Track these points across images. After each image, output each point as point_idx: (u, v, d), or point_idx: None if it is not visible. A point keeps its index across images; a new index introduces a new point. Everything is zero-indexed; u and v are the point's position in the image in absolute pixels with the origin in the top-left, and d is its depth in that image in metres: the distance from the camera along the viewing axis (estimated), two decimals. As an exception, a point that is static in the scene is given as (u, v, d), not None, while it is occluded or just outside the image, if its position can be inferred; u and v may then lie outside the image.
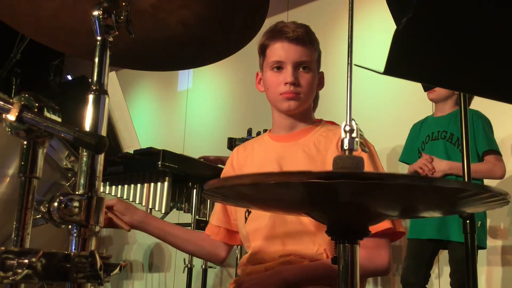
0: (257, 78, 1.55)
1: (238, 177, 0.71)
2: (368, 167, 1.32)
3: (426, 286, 2.69)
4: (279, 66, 1.45)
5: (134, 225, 1.54)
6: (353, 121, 0.75)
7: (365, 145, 1.32)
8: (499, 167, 2.59)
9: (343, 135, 0.76)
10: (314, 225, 1.34)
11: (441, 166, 2.63)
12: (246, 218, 1.48)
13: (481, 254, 2.82)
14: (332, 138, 1.41)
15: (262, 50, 1.49)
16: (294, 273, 1.33)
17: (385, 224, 1.29)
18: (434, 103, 2.89)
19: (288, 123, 1.49)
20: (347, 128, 0.75)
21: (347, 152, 0.75)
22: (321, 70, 1.53)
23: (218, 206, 1.62)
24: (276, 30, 1.46)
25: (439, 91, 2.74)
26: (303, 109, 1.47)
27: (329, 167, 1.33)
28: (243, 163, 1.56)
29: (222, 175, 1.63)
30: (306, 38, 1.44)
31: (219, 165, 3.37)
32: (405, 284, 2.69)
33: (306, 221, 1.36)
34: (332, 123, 1.57)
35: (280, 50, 1.44)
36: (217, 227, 1.59)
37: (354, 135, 0.75)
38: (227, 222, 1.58)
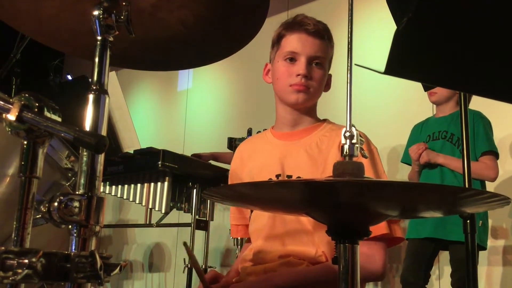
0: (265, 69, 1.54)
1: (240, 185, 0.71)
2: (368, 171, 1.31)
3: (426, 286, 2.69)
4: (292, 58, 1.43)
5: None
6: (353, 127, 0.75)
7: (367, 147, 1.32)
8: (493, 169, 2.58)
9: (343, 141, 0.76)
10: (312, 225, 1.34)
11: (431, 155, 2.64)
12: (249, 217, 1.49)
13: (482, 254, 2.82)
14: (335, 139, 1.40)
15: (278, 40, 1.47)
16: (285, 279, 1.32)
17: (381, 229, 1.28)
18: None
19: (292, 118, 1.48)
20: (347, 134, 0.76)
21: (347, 158, 0.75)
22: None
23: None
24: (295, 21, 1.45)
25: (440, 93, 2.74)
26: (308, 106, 1.46)
27: (329, 168, 1.33)
28: (246, 161, 1.56)
29: (230, 175, 1.62)
30: (325, 34, 1.43)
31: (216, 163, 3.37)
32: (404, 284, 2.69)
33: (305, 221, 1.36)
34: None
35: (296, 42, 1.43)
36: (236, 226, 1.60)
37: (354, 141, 0.76)
38: (243, 218, 1.58)
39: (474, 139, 2.58)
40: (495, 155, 2.62)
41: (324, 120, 1.52)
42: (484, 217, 2.61)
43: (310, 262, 1.34)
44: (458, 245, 2.51)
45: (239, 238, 2.49)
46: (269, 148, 1.51)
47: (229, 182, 1.60)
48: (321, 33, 1.42)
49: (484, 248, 2.62)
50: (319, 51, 1.42)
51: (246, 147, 1.60)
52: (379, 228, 1.27)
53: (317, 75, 1.43)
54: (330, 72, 1.52)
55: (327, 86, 1.51)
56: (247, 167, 1.54)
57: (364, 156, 0.79)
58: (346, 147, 0.76)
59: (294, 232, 1.38)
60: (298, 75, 1.40)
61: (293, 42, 1.43)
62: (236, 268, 1.56)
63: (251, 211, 1.49)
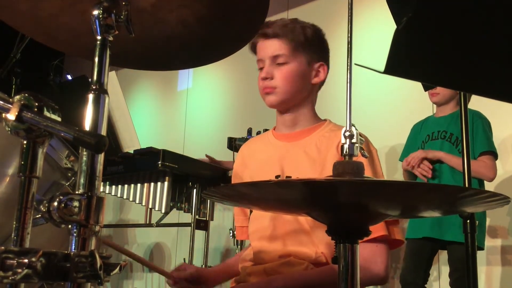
0: None
1: (240, 185, 0.71)
2: (366, 172, 1.30)
3: (425, 286, 2.69)
4: (261, 67, 1.47)
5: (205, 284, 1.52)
6: (353, 127, 0.75)
7: (367, 148, 1.32)
8: (491, 169, 2.57)
9: (343, 140, 0.76)
10: (310, 225, 1.34)
11: (430, 154, 2.64)
12: (249, 218, 1.49)
13: (481, 254, 2.82)
14: (333, 139, 1.40)
15: (254, 53, 1.51)
16: (286, 282, 1.31)
17: (379, 231, 1.27)
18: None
19: (288, 120, 1.49)
20: (347, 133, 0.75)
21: (347, 158, 0.75)
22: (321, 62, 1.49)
23: (236, 207, 1.63)
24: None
25: (443, 94, 2.74)
26: (292, 104, 1.46)
27: (328, 168, 1.32)
28: (247, 161, 1.57)
29: (233, 176, 1.63)
30: (278, 31, 1.43)
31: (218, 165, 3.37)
32: (404, 284, 2.69)
33: (303, 221, 1.36)
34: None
35: (258, 50, 1.47)
36: (241, 228, 1.61)
37: (354, 140, 0.76)
38: (246, 220, 1.58)
39: (473, 139, 2.58)
40: (494, 155, 2.62)
41: (325, 121, 1.51)
42: (482, 217, 2.61)
43: (311, 262, 1.34)
44: (455, 245, 2.51)
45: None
46: (270, 149, 1.51)
47: (232, 183, 1.61)
48: (272, 33, 1.43)
49: (481, 248, 2.61)
50: (276, 50, 1.43)
51: (248, 148, 1.61)
52: (376, 230, 1.26)
53: (280, 73, 1.43)
54: (328, 70, 1.51)
55: (316, 77, 1.48)
56: (248, 167, 1.54)
57: (364, 155, 0.79)
58: (346, 146, 0.76)
59: (294, 232, 1.38)
60: (262, 79, 1.44)
61: (257, 51, 1.48)
62: (230, 264, 1.57)
63: (250, 212, 1.49)
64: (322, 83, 1.51)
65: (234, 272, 1.58)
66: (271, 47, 1.44)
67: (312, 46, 1.47)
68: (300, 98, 1.47)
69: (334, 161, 0.77)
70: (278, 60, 1.43)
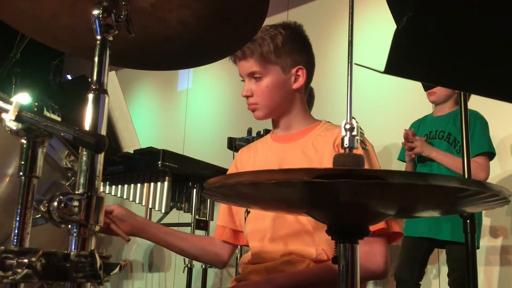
0: None
1: (238, 174, 0.71)
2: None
3: (420, 283, 2.69)
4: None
5: (134, 231, 1.51)
6: (353, 119, 0.75)
7: (365, 143, 1.32)
8: (484, 170, 2.53)
9: (343, 133, 0.76)
10: (312, 225, 1.34)
11: (425, 148, 2.64)
12: (245, 218, 1.48)
13: (479, 253, 2.81)
14: (329, 137, 1.41)
15: None
16: (286, 280, 1.31)
17: (378, 224, 1.26)
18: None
19: (281, 124, 1.51)
20: (347, 126, 0.75)
21: (347, 150, 0.75)
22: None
23: (222, 206, 1.63)
24: None
25: (439, 93, 2.73)
26: (279, 113, 1.48)
27: (326, 166, 1.32)
28: (245, 163, 1.57)
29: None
30: (246, 50, 1.44)
31: (216, 163, 3.37)
32: (398, 281, 2.69)
33: (305, 220, 1.36)
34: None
35: (238, 68, 1.51)
36: (222, 227, 1.59)
37: (354, 133, 0.76)
38: (232, 222, 1.58)
39: (470, 138, 2.57)
40: (489, 155, 2.60)
41: (320, 121, 1.52)
42: (478, 216, 2.60)
43: (312, 260, 1.34)
44: (453, 245, 2.51)
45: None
46: (268, 151, 1.53)
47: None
48: (243, 52, 1.45)
49: (477, 247, 2.60)
50: (249, 68, 1.46)
51: (247, 151, 1.61)
52: (376, 224, 1.26)
53: (258, 88, 1.46)
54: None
55: (296, 82, 1.46)
56: (246, 169, 1.54)
57: (364, 148, 0.80)
58: (346, 139, 0.75)
59: (295, 233, 1.38)
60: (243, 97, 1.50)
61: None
62: (172, 231, 1.58)
63: (247, 213, 1.49)
64: (307, 84, 1.52)
65: (171, 240, 1.56)
66: (244, 66, 1.47)
67: (285, 53, 1.45)
68: (286, 106, 1.48)
69: (331, 158, 0.77)
70: (254, 75, 1.46)
